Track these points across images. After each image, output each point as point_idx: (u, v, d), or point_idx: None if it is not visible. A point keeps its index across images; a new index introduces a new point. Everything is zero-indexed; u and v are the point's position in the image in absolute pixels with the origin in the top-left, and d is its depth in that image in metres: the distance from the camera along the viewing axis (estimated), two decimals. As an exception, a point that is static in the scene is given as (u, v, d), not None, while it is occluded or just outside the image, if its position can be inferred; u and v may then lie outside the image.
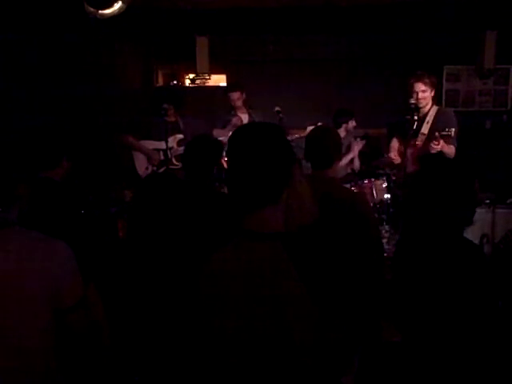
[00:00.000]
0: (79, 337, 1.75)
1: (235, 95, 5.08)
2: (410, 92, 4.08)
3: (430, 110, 4.20)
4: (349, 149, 5.19)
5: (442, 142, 3.75)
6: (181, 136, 4.72)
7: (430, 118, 4.18)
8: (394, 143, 4.48)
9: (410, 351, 1.79)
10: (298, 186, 1.35)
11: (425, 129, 4.19)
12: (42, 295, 1.63)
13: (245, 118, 5.09)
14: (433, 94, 4.14)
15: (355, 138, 5.53)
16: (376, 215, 5.02)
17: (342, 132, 5.07)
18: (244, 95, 5.13)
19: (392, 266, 1.99)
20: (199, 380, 1.40)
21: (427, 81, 4.05)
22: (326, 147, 2.60)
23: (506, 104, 6.69)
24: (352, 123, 5.29)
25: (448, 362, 1.70)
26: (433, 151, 3.80)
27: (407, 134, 4.01)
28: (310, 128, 4.71)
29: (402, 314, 1.84)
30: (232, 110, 5.13)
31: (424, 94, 4.07)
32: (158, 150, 4.70)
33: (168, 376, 2.07)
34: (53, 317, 1.67)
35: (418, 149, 4.16)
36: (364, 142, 5.28)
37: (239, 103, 5.11)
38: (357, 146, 5.20)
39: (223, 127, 5.03)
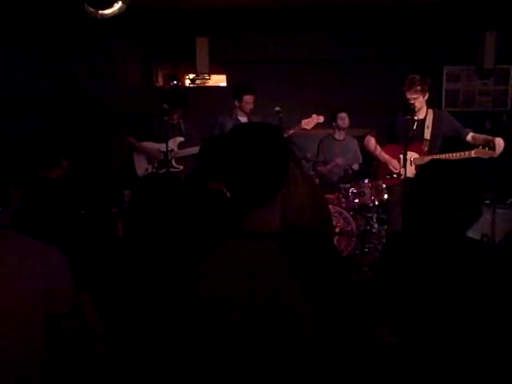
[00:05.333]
0: (72, 344, 1.73)
1: (251, 98, 4.89)
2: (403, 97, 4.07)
3: (426, 114, 4.16)
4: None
5: None
6: (181, 139, 4.71)
7: (429, 123, 4.15)
8: (373, 142, 4.39)
9: (407, 355, 1.76)
10: (297, 186, 1.35)
11: (427, 134, 4.15)
12: (33, 300, 1.60)
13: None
14: (426, 97, 4.10)
15: (356, 137, 5.53)
16: (376, 215, 5.03)
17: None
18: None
19: (380, 269, 1.94)
20: (198, 381, 1.40)
21: (418, 88, 4.01)
22: None
23: (506, 104, 6.68)
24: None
25: (451, 366, 1.68)
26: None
27: (407, 136, 3.96)
28: (304, 122, 4.74)
29: (398, 317, 1.81)
30: (233, 114, 4.99)
31: (416, 100, 4.03)
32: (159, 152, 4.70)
33: (168, 377, 2.07)
34: (44, 322, 1.64)
35: (424, 155, 4.12)
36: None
37: (252, 106, 4.91)
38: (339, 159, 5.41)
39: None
